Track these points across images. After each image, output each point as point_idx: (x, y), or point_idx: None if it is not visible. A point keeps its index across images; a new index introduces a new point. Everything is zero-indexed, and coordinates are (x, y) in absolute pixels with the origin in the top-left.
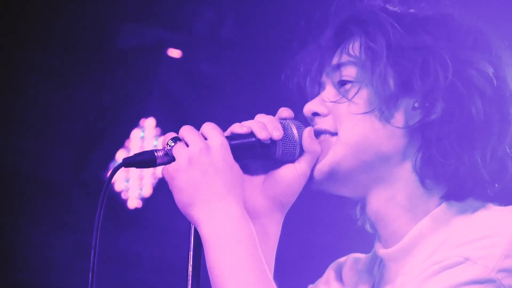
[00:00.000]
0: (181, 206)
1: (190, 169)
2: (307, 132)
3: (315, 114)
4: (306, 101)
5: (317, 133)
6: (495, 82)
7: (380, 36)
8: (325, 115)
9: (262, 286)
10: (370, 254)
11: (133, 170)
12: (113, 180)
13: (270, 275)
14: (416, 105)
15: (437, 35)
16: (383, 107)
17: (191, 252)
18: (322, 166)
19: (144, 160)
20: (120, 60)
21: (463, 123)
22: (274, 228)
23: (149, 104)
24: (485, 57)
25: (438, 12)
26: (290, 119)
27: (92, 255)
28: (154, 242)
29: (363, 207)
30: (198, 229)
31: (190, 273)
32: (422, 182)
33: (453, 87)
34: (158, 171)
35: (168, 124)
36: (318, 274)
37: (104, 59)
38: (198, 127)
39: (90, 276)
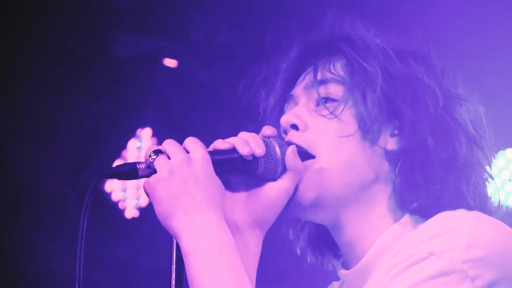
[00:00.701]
0: (161, 218)
1: (171, 181)
2: (291, 150)
3: (294, 126)
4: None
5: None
6: (477, 122)
7: (373, 58)
8: (303, 130)
9: None
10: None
11: (130, 180)
12: (110, 190)
13: (252, 286)
14: (396, 131)
15: (427, 68)
16: (369, 129)
17: (173, 265)
18: (307, 190)
19: (126, 171)
20: (116, 70)
21: (447, 154)
22: (254, 245)
23: (146, 114)
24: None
25: (416, 47)
26: (273, 137)
27: (77, 265)
28: (151, 252)
29: (334, 232)
30: (178, 241)
31: (173, 287)
32: (401, 204)
33: (440, 120)
34: None
35: (165, 134)
36: (311, 282)
37: (100, 69)
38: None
39: (76, 285)
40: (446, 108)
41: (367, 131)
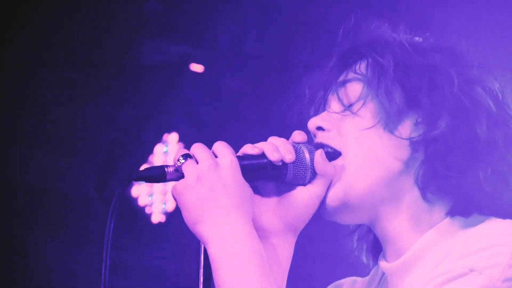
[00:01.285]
0: (189, 223)
1: (198, 186)
2: (319, 154)
3: (319, 128)
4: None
5: (320, 146)
6: (500, 100)
7: (388, 52)
8: (329, 130)
9: None
10: (368, 277)
11: (157, 185)
12: (136, 195)
13: None
14: (419, 120)
15: (444, 56)
16: (388, 120)
17: (201, 270)
18: (335, 192)
19: (154, 175)
20: (143, 76)
21: (467, 138)
22: (286, 250)
23: (172, 119)
24: (490, 77)
25: (444, 42)
26: (303, 143)
27: (103, 270)
28: (177, 257)
29: (371, 228)
30: (206, 247)
31: None
32: (424, 195)
33: (459, 104)
34: None
35: (191, 139)
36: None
37: (127, 75)
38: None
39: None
40: (464, 91)
41: (388, 122)
